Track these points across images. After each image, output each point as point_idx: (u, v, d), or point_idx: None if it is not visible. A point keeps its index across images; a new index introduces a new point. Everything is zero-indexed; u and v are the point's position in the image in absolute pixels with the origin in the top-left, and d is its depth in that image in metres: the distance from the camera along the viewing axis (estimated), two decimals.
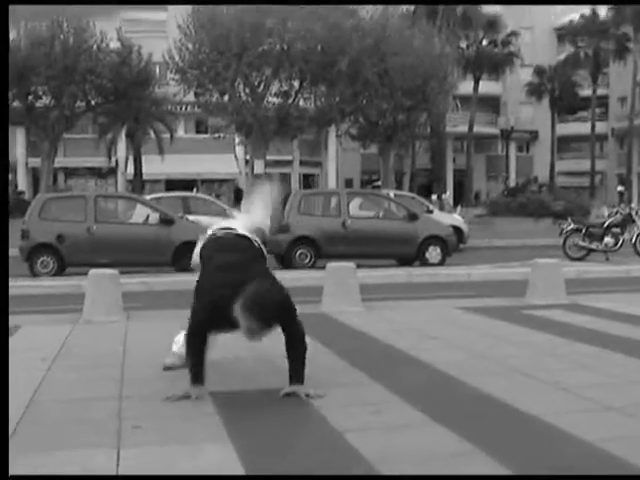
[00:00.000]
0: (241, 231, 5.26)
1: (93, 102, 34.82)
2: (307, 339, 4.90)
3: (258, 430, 4.12)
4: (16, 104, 33.50)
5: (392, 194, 23.47)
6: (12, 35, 31.69)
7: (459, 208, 34.22)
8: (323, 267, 9.80)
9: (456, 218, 24.68)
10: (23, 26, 31.83)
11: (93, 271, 8.65)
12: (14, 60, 30.87)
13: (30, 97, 33.57)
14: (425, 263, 16.93)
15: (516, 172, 58.11)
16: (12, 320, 8.20)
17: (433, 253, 17.15)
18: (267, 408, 4.57)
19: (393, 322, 7.98)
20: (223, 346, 6.45)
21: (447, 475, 3.39)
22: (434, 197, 36.35)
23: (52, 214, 16.29)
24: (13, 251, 17.76)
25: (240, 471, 3.45)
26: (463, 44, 49.88)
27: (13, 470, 3.51)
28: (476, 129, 52.75)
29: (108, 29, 33.53)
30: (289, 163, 46.05)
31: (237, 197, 33.87)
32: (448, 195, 42.06)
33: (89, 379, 5.42)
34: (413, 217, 17.39)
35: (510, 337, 6.99)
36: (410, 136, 38.57)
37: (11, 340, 6.98)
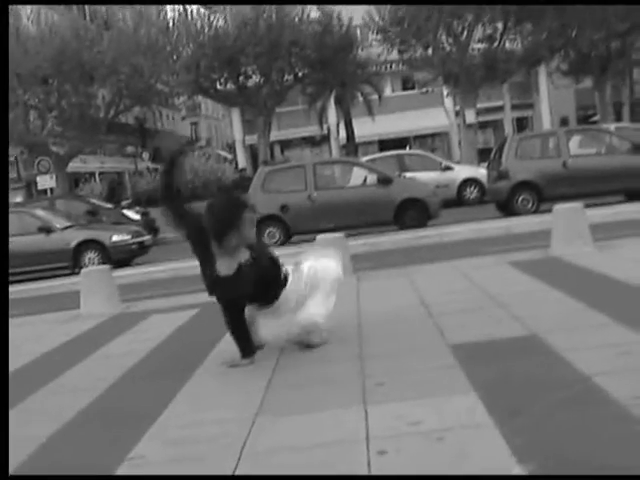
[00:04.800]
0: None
1: (300, 74, 35.69)
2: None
3: (501, 379, 4.07)
4: (229, 86, 35.03)
5: (612, 127, 22.34)
6: (220, 22, 33.16)
7: None
8: (546, 211, 9.52)
9: None
10: (229, 10, 33.08)
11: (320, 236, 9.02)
12: (224, 45, 32.32)
13: (241, 78, 34.89)
14: None
15: None
16: None
17: None
18: (508, 356, 4.49)
19: (630, 260, 7.59)
20: (465, 297, 6.47)
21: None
22: None
23: (275, 186, 16.84)
24: None
25: (487, 420, 3.43)
26: None
27: (274, 429, 3.69)
28: None
29: None
30: (500, 109, 44.91)
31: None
32: None
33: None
34: (639, 149, 16.46)
35: None
36: (627, 63, 36.44)
37: None
